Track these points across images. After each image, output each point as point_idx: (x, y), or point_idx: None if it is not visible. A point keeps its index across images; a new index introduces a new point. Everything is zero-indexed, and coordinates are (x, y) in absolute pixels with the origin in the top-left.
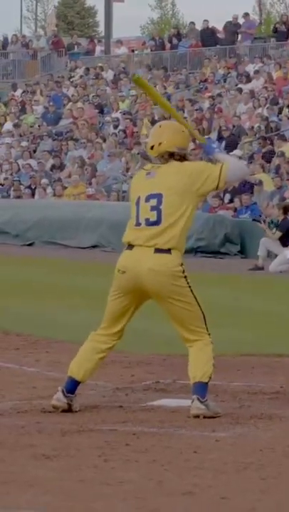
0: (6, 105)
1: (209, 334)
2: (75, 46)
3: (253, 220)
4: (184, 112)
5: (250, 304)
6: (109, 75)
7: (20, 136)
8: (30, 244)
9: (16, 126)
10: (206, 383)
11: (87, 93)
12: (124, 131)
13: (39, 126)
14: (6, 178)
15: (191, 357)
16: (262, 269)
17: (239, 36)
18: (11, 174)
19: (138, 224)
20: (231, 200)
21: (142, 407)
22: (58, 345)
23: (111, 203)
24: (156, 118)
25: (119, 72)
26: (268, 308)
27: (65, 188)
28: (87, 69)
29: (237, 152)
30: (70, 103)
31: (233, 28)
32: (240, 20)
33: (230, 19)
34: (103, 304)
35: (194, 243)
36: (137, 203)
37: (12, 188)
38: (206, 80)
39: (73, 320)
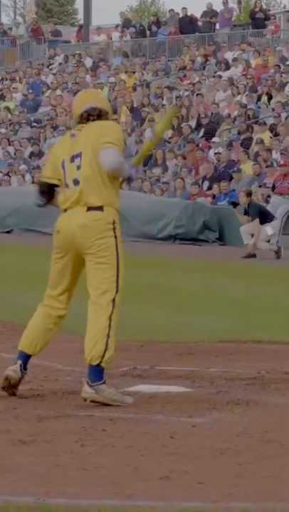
0: None
1: (118, 291)
2: (49, 34)
3: (232, 203)
4: (162, 99)
5: (228, 291)
6: (88, 62)
7: None
8: (8, 232)
9: None
10: (98, 365)
11: (66, 80)
12: None
13: (19, 113)
14: None
15: (87, 328)
16: (254, 256)
17: (218, 24)
18: None
19: (66, 185)
20: (210, 187)
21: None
22: None
23: None
24: (135, 105)
25: (98, 60)
26: (247, 294)
27: None
28: (66, 56)
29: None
30: (49, 90)
31: (210, 15)
32: (218, 8)
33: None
34: (81, 291)
35: (173, 230)
36: (63, 166)
37: None
38: (184, 68)
39: None
